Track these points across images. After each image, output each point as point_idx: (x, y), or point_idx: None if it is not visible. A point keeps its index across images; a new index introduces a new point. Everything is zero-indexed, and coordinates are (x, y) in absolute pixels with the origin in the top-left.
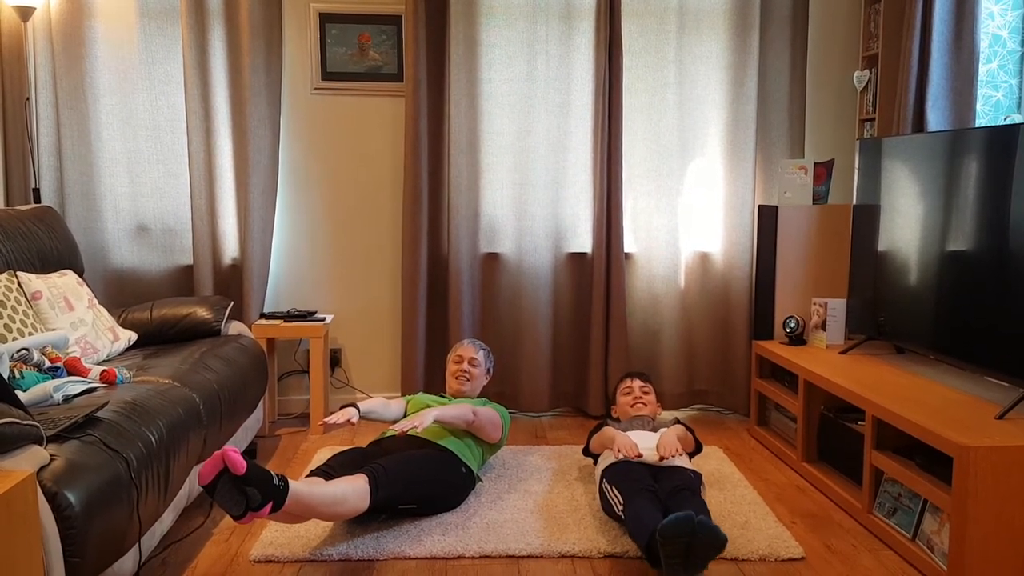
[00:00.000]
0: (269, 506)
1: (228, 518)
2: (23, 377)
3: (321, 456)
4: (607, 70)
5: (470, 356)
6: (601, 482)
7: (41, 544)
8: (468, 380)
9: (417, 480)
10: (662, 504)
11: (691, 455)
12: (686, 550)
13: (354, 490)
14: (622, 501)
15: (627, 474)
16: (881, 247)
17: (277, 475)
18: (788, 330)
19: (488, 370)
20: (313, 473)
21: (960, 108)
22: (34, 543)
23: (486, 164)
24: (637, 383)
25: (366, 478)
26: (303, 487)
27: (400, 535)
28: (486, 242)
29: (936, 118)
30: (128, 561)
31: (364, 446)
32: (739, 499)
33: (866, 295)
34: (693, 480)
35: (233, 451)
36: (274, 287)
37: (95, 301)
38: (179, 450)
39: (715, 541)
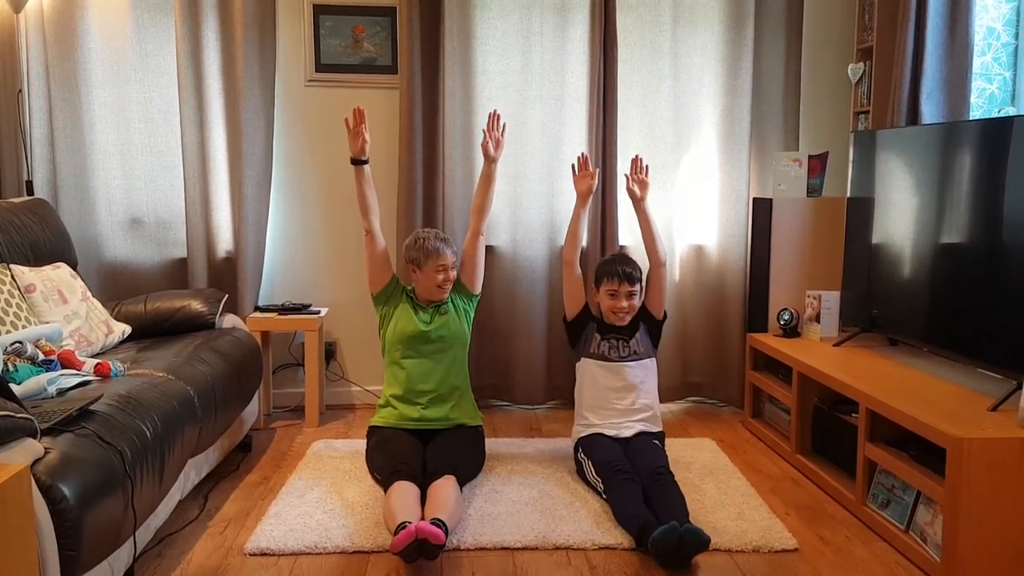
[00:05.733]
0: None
1: (223, 510)
2: (17, 370)
3: (316, 449)
4: (602, 62)
5: (452, 263)
6: (577, 451)
7: (36, 537)
8: (449, 283)
9: (472, 463)
10: (640, 486)
11: (657, 325)
12: (674, 552)
13: (456, 488)
14: (602, 484)
15: (603, 451)
16: (875, 240)
17: (439, 522)
18: (782, 322)
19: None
20: (395, 473)
21: (954, 101)
22: (29, 536)
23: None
24: (625, 288)
25: (455, 479)
26: (455, 518)
27: None
28: None
29: (930, 111)
30: (123, 554)
31: (402, 425)
32: (733, 491)
33: (860, 287)
34: (664, 457)
35: (426, 527)
36: (269, 280)
37: (89, 294)
38: (174, 443)
39: (699, 543)
